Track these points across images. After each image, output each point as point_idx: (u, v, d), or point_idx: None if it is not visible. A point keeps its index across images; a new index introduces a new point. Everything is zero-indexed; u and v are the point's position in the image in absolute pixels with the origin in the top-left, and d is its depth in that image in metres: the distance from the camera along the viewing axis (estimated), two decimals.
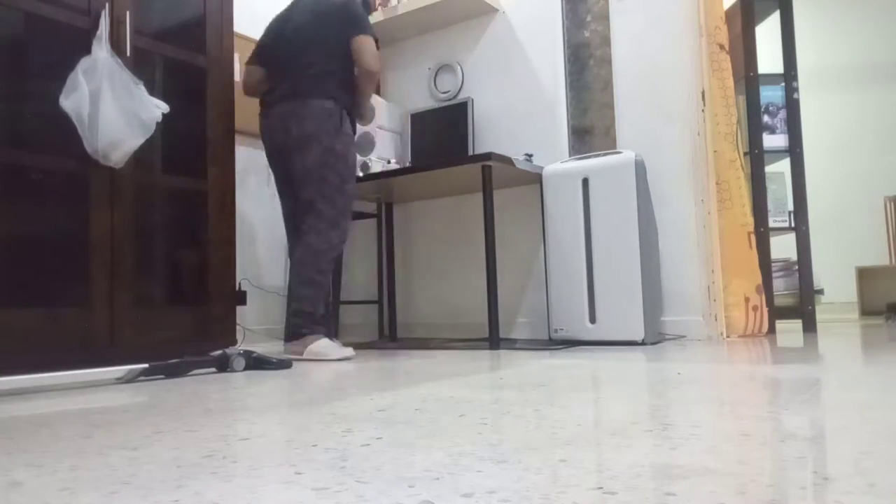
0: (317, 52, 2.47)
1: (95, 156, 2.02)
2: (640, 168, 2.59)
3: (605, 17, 3.12)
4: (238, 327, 2.72)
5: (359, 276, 3.79)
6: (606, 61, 3.11)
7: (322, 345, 2.32)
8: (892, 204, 4.88)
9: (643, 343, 2.50)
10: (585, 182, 2.66)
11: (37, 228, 1.98)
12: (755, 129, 2.87)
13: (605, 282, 2.59)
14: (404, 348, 2.77)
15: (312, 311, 2.38)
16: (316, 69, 2.46)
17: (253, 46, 3.60)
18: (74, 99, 1.96)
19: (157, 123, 2.10)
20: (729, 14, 2.92)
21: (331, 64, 2.48)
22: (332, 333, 2.79)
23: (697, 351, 2.16)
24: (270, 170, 2.66)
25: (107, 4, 2.12)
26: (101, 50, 2.04)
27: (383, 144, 3.36)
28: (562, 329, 2.67)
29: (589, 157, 2.71)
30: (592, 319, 2.61)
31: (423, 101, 3.56)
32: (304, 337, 2.35)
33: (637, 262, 2.54)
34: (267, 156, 2.60)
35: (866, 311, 4.75)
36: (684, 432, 0.86)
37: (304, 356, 2.31)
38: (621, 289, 2.56)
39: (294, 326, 2.37)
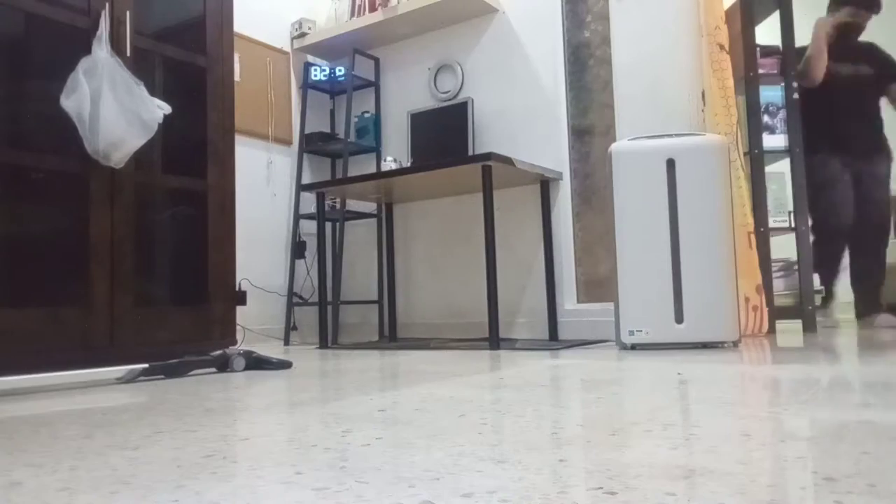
0: None
1: (96, 156, 2.02)
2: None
3: (605, 17, 3.12)
4: (238, 327, 2.72)
5: (359, 276, 3.79)
6: (606, 61, 3.11)
7: None
8: (893, 204, 4.88)
9: (735, 345, 2.29)
10: (671, 163, 2.33)
11: (37, 228, 1.98)
12: (755, 129, 2.87)
13: (694, 276, 2.29)
14: (404, 348, 2.77)
15: None
16: None
17: (253, 46, 3.61)
18: (75, 99, 1.95)
19: (159, 124, 2.10)
20: (729, 14, 2.92)
21: None
22: None
23: (697, 351, 2.16)
24: None
25: (107, 4, 2.12)
26: (102, 50, 2.04)
27: None
28: (640, 331, 2.31)
29: (664, 136, 2.39)
30: (679, 319, 2.30)
31: (423, 101, 3.56)
32: None
33: (731, 254, 2.30)
34: None
35: None
36: (684, 432, 0.86)
37: None
38: (713, 283, 2.27)
39: None
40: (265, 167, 3.61)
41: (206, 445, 0.89)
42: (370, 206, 3.72)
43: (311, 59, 3.87)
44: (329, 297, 3.31)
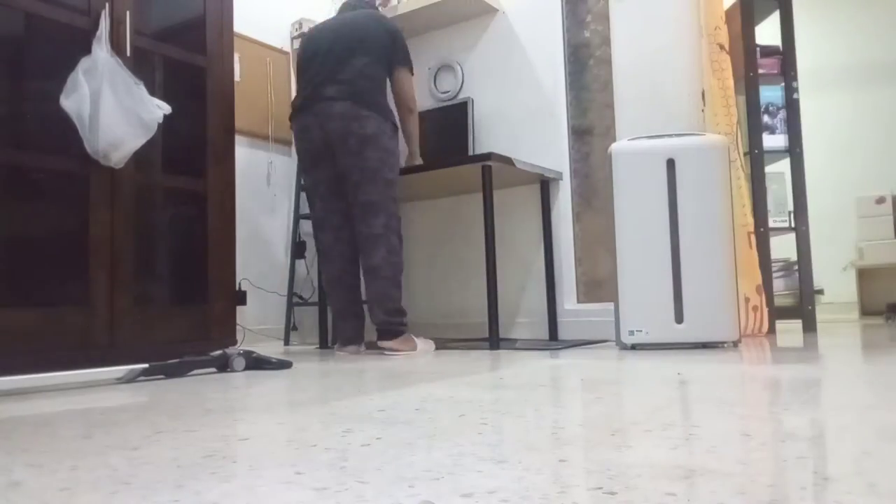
0: (364, 57, 2.60)
1: (96, 156, 2.02)
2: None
3: (605, 17, 3.12)
4: (238, 327, 2.72)
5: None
6: (606, 61, 3.11)
7: (421, 341, 2.59)
8: (893, 203, 4.88)
9: (735, 344, 2.28)
10: (671, 163, 2.32)
11: (37, 228, 1.98)
12: (755, 129, 2.87)
13: (694, 276, 2.28)
14: None
15: (404, 309, 2.56)
16: (367, 71, 2.58)
17: (253, 46, 3.61)
18: (75, 99, 1.96)
19: (158, 124, 2.10)
20: (729, 14, 2.92)
21: (377, 73, 2.62)
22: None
23: (697, 351, 2.16)
24: (306, 170, 2.67)
25: (107, 4, 2.12)
26: (101, 50, 2.04)
27: None
28: (640, 331, 2.31)
29: (664, 136, 2.38)
30: (679, 319, 2.30)
31: (424, 100, 3.56)
32: (404, 335, 2.54)
33: (731, 254, 2.29)
34: (307, 155, 2.63)
35: (866, 311, 4.76)
36: (684, 432, 0.86)
37: (415, 351, 2.53)
38: (713, 283, 2.27)
39: (392, 325, 2.52)
40: (265, 167, 3.61)
41: (206, 445, 0.89)
42: None
43: None
44: None
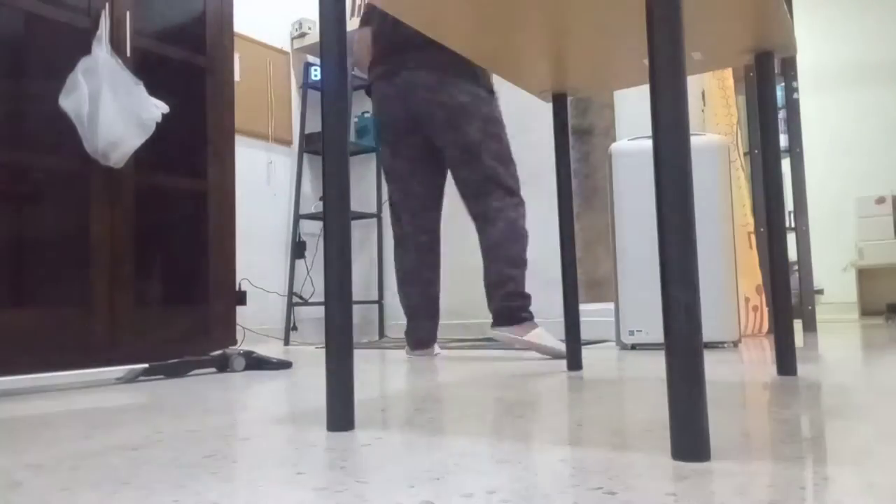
0: None
1: (95, 156, 2.02)
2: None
3: None
4: (238, 327, 2.72)
5: (359, 275, 3.79)
6: None
7: (541, 333, 2.14)
8: (893, 203, 4.89)
9: (735, 344, 2.28)
10: None
11: (37, 228, 1.98)
12: (755, 129, 2.87)
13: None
14: (403, 348, 2.76)
15: (527, 294, 2.20)
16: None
17: (253, 46, 3.62)
18: (74, 99, 1.96)
19: (157, 123, 2.10)
20: None
21: None
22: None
23: None
24: (386, 146, 2.43)
25: (107, 4, 2.12)
26: (101, 50, 2.04)
27: None
28: (639, 331, 2.31)
29: None
30: None
31: None
32: (523, 322, 2.15)
33: (731, 254, 2.28)
34: (388, 129, 2.39)
35: (866, 311, 4.76)
36: None
37: (523, 344, 2.14)
38: (713, 283, 2.26)
39: (509, 310, 2.17)
40: (265, 167, 3.61)
41: (206, 445, 0.89)
42: (370, 206, 3.71)
43: (311, 59, 3.87)
44: None
